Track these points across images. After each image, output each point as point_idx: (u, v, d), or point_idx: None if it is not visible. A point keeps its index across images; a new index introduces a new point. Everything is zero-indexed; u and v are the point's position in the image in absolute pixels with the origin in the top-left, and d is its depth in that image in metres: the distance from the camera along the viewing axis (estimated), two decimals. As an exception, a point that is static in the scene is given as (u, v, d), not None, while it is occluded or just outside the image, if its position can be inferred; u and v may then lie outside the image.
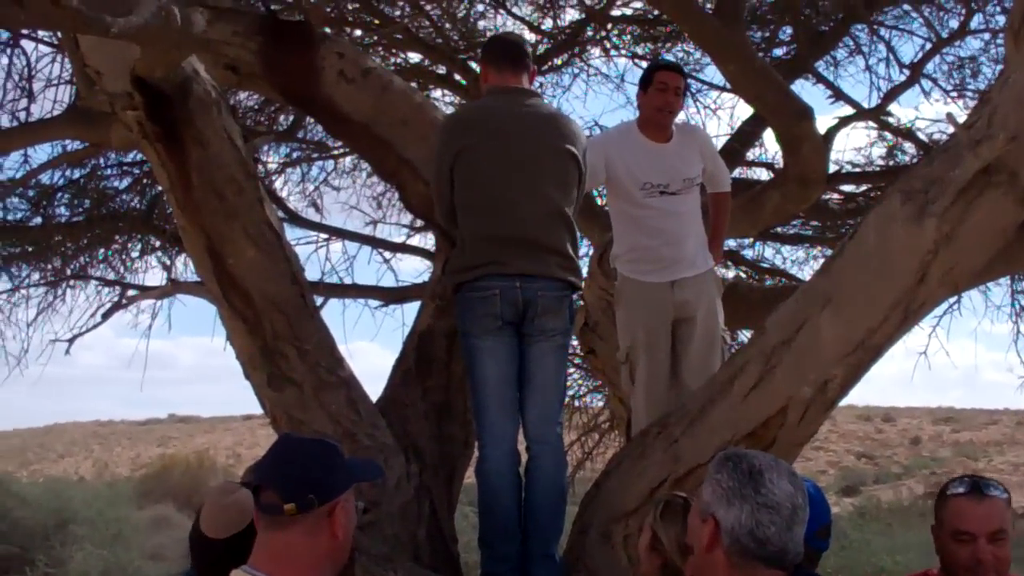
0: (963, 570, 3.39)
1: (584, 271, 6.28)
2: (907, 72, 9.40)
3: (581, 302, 7.18)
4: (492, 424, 4.84)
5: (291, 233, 10.93)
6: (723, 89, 10.06)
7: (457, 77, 9.80)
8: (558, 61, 10.24)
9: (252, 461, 3.48)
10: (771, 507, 2.73)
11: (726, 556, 2.74)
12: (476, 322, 4.86)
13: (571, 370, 12.33)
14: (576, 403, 12.86)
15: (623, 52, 10.29)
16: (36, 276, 10.28)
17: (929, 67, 9.59)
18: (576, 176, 4.96)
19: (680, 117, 5.85)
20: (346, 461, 2.78)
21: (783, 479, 2.78)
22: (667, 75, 5.68)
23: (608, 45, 10.20)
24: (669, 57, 10.07)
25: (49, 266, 10.25)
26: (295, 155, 10.96)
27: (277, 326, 5.23)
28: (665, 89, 5.62)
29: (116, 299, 10.70)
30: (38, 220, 9.78)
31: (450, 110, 10.02)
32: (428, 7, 9.36)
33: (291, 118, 9.79)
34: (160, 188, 8.09)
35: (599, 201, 7.40)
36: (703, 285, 5.69)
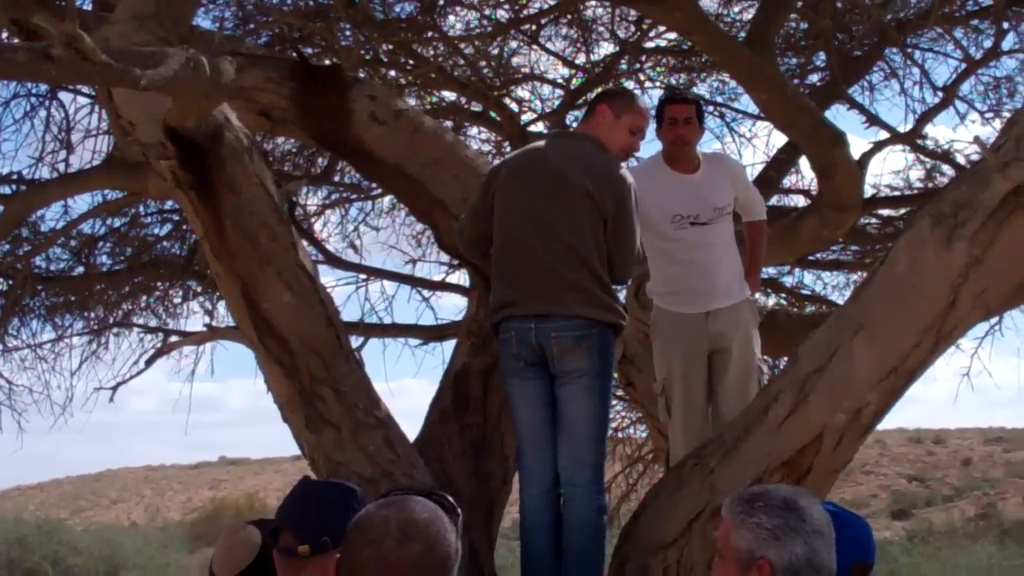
0: None
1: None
2: (941, 95, 9.35)
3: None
4: (527, 466, 4.90)
5: (331, 275, 11.02)
6: (758, 117, 10.05)
7: (492, 114, 9.85)
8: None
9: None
10: (818, 532, 2.75)
11: None
12: (504, 364, 4.93)
13: (613, 402, 12.31)
14: (620, 435, 12.83)
15: (658, 84, 10.29)
16: (79, 325, 10.34)
17: (964, 88, 9.56)
18: (593, 214, 4.82)
19: (715, 146, 5.86)
20: (363, 504, 2.75)
21: (813, 503, 2.81)
22: (673, 108, 5.69)
23: (643, 77, 10.22)
24: (703, 87, 10.13)
25: (92, 314, 10.33)
26: (333, 197, 11.04)
27: (314, 369, 5.23)
28: (675, 122, 5.64)
29: (159, 346, 10.80)
30: (80, 269, 9.87)
31: (485, 147, 10.09)
32: (462, 46, 9.43)
33: (327, 161, 9.85)
34: (198, 234, 8.16)
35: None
36: (738, 315, 5.68)
